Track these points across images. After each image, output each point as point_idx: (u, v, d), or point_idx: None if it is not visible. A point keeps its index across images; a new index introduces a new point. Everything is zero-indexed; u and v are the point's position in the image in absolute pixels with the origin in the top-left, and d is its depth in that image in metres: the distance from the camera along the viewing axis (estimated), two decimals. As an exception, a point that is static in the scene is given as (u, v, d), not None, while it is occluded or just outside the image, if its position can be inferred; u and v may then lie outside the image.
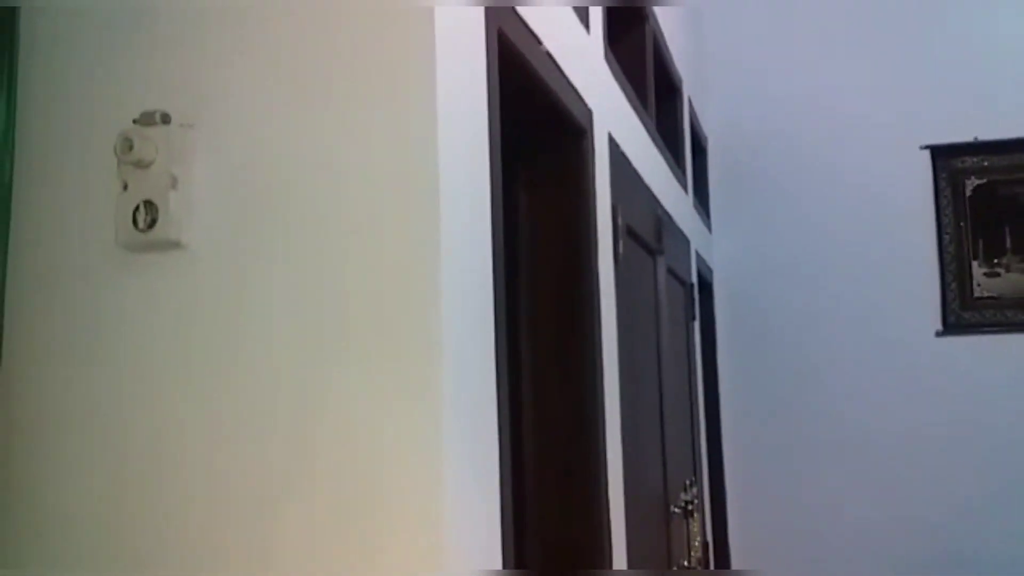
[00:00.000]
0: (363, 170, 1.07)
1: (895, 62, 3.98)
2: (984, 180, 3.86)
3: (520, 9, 1.39)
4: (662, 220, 2.58)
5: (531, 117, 1.64)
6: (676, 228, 2.94)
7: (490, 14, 1.24)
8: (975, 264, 3.82)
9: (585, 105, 1.77)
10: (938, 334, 3.82)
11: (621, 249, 1.98)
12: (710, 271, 3.95)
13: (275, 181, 1.10)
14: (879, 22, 4.02)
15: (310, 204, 1.08)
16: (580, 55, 1.78)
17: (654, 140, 2.63)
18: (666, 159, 2.84)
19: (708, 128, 4.12)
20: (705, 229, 3.90)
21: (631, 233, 2.16)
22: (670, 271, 2.73)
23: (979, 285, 3.80)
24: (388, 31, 1.07)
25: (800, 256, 4.04)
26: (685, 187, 3.26)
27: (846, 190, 4.00)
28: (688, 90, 3.49)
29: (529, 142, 1.72)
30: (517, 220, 1.73)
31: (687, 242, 3.20)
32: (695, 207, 3.54)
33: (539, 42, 1.48)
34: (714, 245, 4.11)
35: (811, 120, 4.06)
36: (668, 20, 3.08)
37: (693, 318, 3.17)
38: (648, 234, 2.40)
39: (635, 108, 2.34)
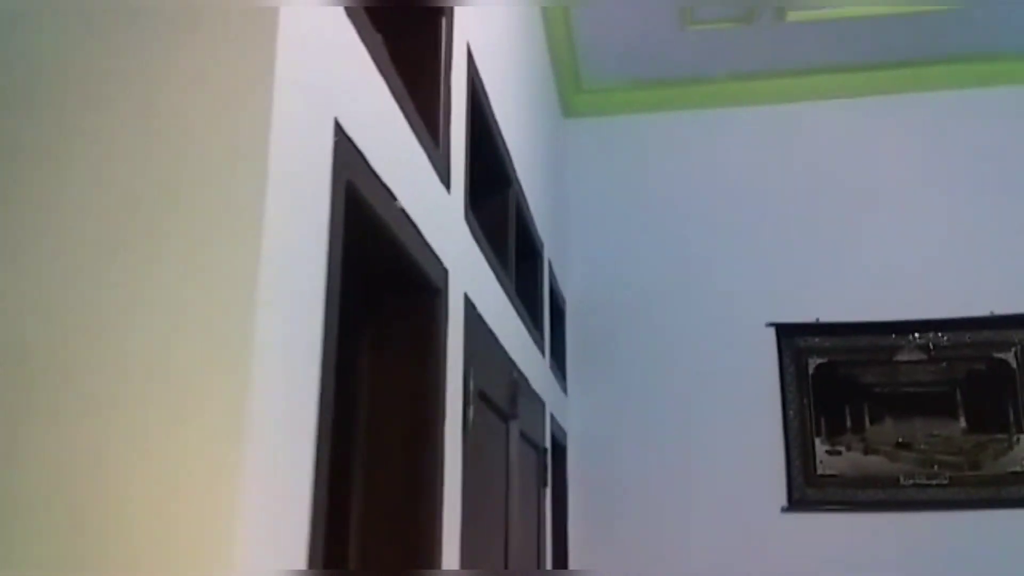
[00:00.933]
0: (160, 325, 0.93)
1: (747, 242, 4.18)
2: (825, 360, 4.03)
3: (374, 163, 1.32)
4: (518, 384, 2.50)
5: (382, 273, 1.55)
6: (532, 391, 2.87)
7: (339, 167, 1.16)
8: (818, 441, 3.92)
9: (441, 264, 1.70)
10: (783, 510, 3.84)
11: (471, 415, 1.87)
12: (564, 434, 3.87)
13: (58, 338, 0.94)
14: (732, 206, 4.24)
15: (98, 359, 0.93)
16: (439, 214, 1.72)
17: (513, 302, 2.58)
18: (524, 321, 2.80)
19: (567, 291, 4.16)
20: (561, 391, 3.86)
21: (484, 398, 2.06)
22: (524, 436, 2.63)
23: (822, 462, 3.88)
24: (209, 180, 0.96)
25: (652, 424, 4.04)
26: (542, 349, 3.22)
27: (697, 361, 4.08)
28: (548, 253, 3.52)
29: (378, 299, 1.61)
30: (357, 382, 1.59)
31: (542, 405, 3.13)
32: (552, 369, 3.50)
33: (394, 198, 1.41)
34: (569, 408, 4.06)
35: (665, 290, 4.17)
36: (531, 184, 3.12)
37: (545, 484, 3.06)
38: (502, 399, 2.30)
39: (494, 270, 2.30)
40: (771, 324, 4.07)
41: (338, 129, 1.16)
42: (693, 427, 4.01)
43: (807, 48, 4.06)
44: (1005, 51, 4.10)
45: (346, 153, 1.19)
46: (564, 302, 4.11)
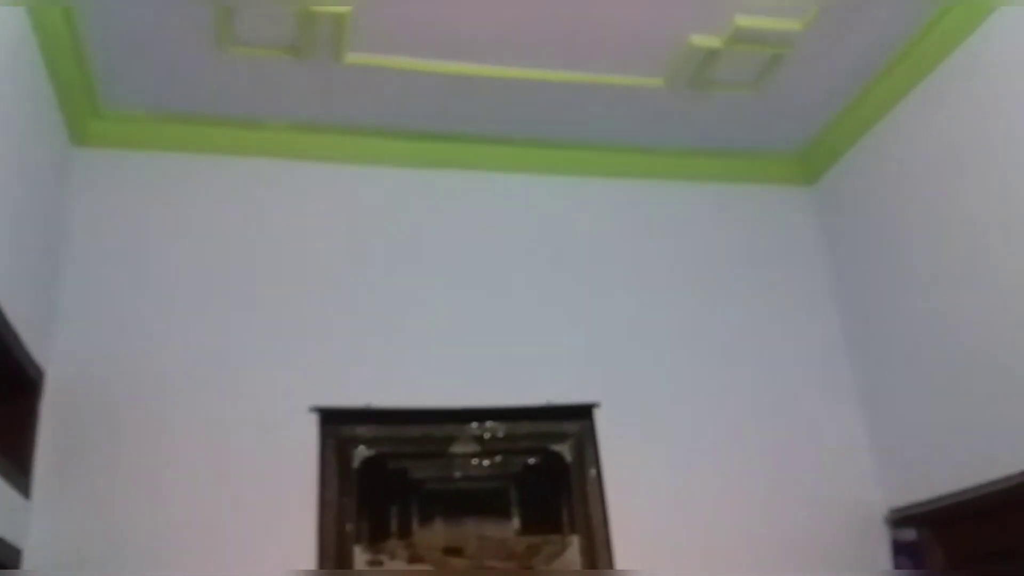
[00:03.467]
0: None
1: (290, 314, 3.55)
2: (374, 452, 3.45)
3: None
4: None
5: None
6: None
7: None
8: (358, 550, 3.28)
9: None
10: (310, 639, 3.10)
11: None
12: (14, 552, 2.81)
13: None
14: (274, 272, 3.62)
15: None
16: None
17: None
18: None
19: (48, 358, 3.18)
20: (14, 492, 2.81)
21: None
22: None
23: None
24: None
25: (159, 536, 3.11)
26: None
27: (222, 453, 3.28)
28: (-3, 294, 2.57)
29: None
30: None
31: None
32: (-17, 455, 2.49)
33: None
34: (32, 516, 3.00)
35: (187, 367, 3.36)
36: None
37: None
38: None
39: None
40: (315, 409, 3.43)
41: None
42: (210, 538, 3.16)
43: (367, 102, 3.65)
44: (568, 140, 4.06)
45: None
46: (41, 373, 3.12)
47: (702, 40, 3.48)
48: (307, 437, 3.38)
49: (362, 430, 3.46)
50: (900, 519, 3.67)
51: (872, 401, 3.93)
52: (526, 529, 3.49)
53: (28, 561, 2.92)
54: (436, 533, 3.40)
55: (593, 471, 3.60)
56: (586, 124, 3.95)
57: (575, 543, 3.50)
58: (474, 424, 3.58)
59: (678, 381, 3.88)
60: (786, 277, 4.23)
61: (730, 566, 3.53)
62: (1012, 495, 3.07)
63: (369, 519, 3.34)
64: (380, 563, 3.28)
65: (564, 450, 3.65)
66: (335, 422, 3.43)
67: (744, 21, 3.36)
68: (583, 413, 3.70)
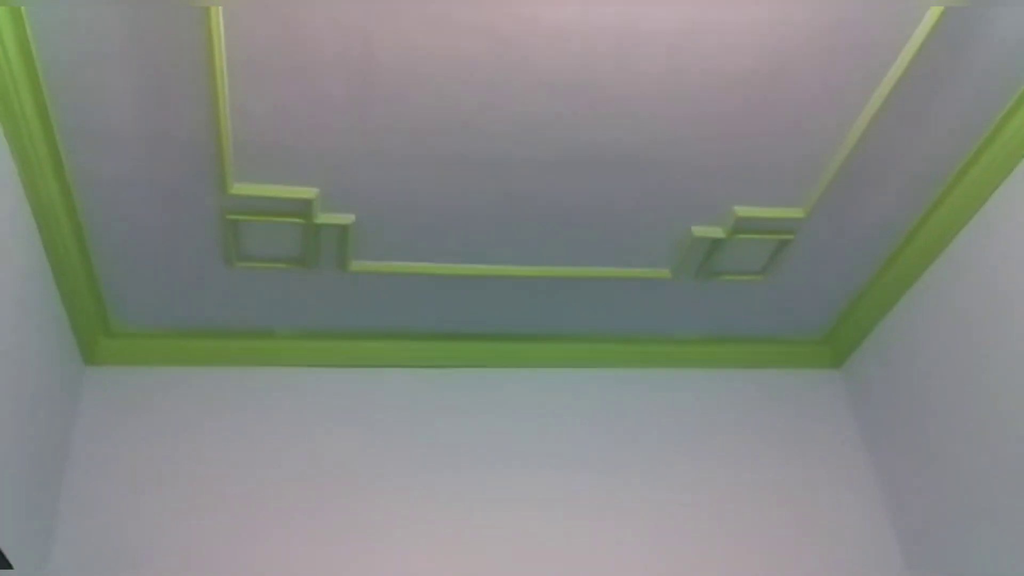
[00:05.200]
0: None
1: (303, 525, 3.41)
2: None
3: None
4: None
5: None
6: None
7: None
8: None
9: None
10: None
11: None
12: None
13: None
14: (282, 484, 3.51)
15: None
16: None
17: None
18: None
19: (40, 590, 3.04)
20: None
21: None
22: None
23: None
24: None
25: None
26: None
27: None
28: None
29: None
30: None
31: None
32: None
33: None
34: None
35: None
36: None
37: None
38: None
39: None
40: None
41: None
42: None
43: (375, 306, 3.67)
44: (579, 333, 4.01)
45: None
46: (33, 607, 2.97)
47: (704, 231, 3.47)
48: (311, 666, 3.15)
49: (370, 656, 3.21)
50: None
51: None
52: None
53: None
54: None
55: None
56: (596, 317, 3.91)
57: None
58: (492, 644, 3.31)
59: (713, 583, 3.60)
60: (821, 462, 4.01)
61: None
62: None
63: None
64: None
65: (591, 671, 3.34)
66: (341, 648, 3.19)
67: (744, 212, 3.35)
68: (610, 627, 3.41)
